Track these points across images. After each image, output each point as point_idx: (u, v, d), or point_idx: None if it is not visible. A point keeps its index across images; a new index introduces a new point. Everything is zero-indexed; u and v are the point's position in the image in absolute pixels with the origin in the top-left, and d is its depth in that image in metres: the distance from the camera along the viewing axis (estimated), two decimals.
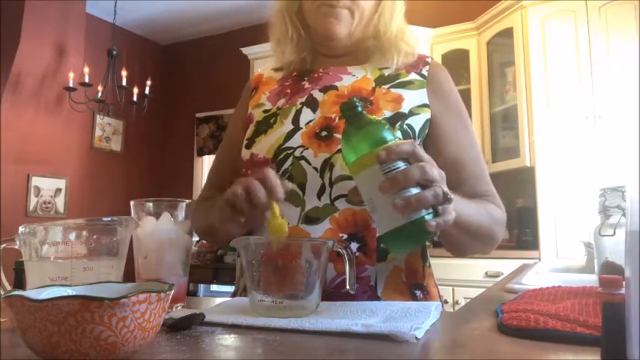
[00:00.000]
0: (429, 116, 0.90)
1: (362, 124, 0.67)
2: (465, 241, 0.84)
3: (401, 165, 0.63)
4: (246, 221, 0.76)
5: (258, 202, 0.70)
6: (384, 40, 0.95)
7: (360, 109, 0.68)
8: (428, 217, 0.63)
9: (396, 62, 0.95)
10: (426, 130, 0.90)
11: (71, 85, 3.84)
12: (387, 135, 0.66)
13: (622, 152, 2.55)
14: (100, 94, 3.95)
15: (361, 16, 0.92)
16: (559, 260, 2.52)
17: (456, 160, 0.89)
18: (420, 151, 0.66)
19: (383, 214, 0.64)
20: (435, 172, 0.64)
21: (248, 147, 0.93)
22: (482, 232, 0.86)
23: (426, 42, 3.31)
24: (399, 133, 0.86)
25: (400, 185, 0.62)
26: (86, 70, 3.80)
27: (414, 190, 0.62)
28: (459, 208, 0.72)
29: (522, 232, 2.94)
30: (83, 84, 3.77)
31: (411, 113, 0.89)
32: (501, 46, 3.14)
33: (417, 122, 0.89)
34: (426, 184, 0.63)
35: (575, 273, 1.33)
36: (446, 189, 0.65)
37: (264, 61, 3.59)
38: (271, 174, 0.71)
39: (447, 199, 0.64)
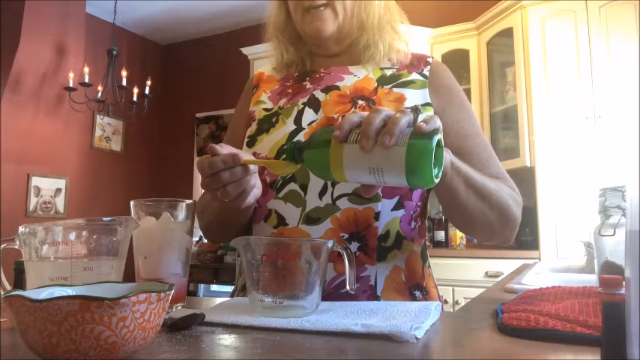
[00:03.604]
0: (432, 114, 0.90)
1: (310, 145, 0.67)
2: (475, 205, 0.81)
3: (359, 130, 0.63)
4: (235, 187, 0.74)
5: (227, 164, 0.70)
6: (369, 31, 0.96)
7: (299, 143, 0.69)
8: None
9: (383, 52, 0.95)
10: None
11: (71, 85, 3.84)
12: (329, 129, 0.66)
13: (622, 152, 2.56)
14: (100, 94, 3.95)
15: (344, 8, 0.93)
16: (559, 260, 2.52)
17: (460, 149, 0.88)
18: (364, 112, 0.65)
19: (388, 165, 0.62)
20: (387, 109, 0.64)
21: (250, 145, 0.93)
22: (491, 197, 0.82)
23: (426, 42, 3.32)
24: None
25: (372, 131, 0.61)
26: (86, 70, 3.80)
27: None
28: (458, 162, 0.75)
29: (522, 232, 2.94)
30: (83, 84, 3.76)
31: None
32: (501, 46, 3.14)
33: None
34: (389, 118, 0.62)
35: (575, 273, 1.33)
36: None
37: (264, 61, 3.58)
38: (215, 149, 0.71)
39: (415, 111, 0.63)
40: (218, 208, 0.87)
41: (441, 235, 3.22)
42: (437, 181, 0.63)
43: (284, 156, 0.70)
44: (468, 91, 3.18)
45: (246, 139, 0.95)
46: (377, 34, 0.96)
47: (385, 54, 0.96)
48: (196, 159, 4.87)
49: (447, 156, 0.72)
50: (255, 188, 0.76)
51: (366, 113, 0.64)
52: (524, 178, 2.80)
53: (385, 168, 0.62)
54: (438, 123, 0.62)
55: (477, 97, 3.20)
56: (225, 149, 0.72)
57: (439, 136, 0.62)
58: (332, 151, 0.64)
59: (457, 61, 3.23)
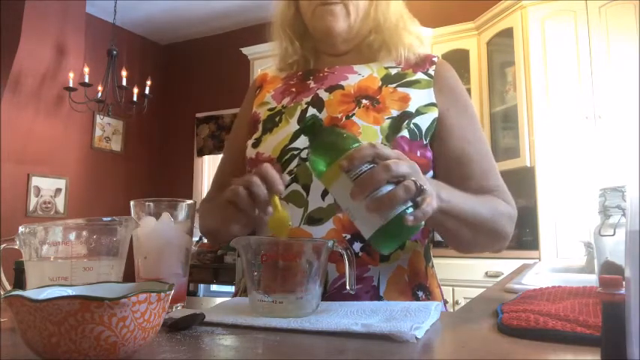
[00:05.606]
0: (437, 115, 0.89)
1: (324, 137, 0.68)
2: (465, 234, 0.81)
3: (366, 168, 0.63)
4: (249, 220, 0.77)
5: (259, 198, 0.71)
6: (385, 32, 0.95)
7: (320, 123, 0.70)
8: (409, 211, 0.62)
9: (404, 55, 0.95)
10: (433, 129, 0.89)
11: (71, 85, 3.84)
12: (350, 143, 0.66)
13: (622, 152, 2.56)
14: (100, 94, 3.95)
15: (356, 9, 0.93)
16: (559, 260, 2.52)
17: (461, 155, 0.88)
18: (384, 149, 0.65)
19: (362, 219, 0.64)
20: (404, 166, 0.63)
21: (255, 146, 0.93)
22: (483, 225, 0.82)
23: (426, 42, 3.32)
24: (405, 132, 0.85)
25: (369, 187, 0.61)
26: (86, 70, 3.80)
27: (387, 189, 0.61)
28: (448, 197, 0.74)
29: (522, 232, 2.94)
30: (83, 84, 3.77)
31: (418, 112, 0.88)
32: (501, 46, 3.14)
33: (424, 121, 0.88)
34: (397, 180, 0.62)
35: (575, 273, 1.33)
36: (420, 181, 0.63)
37: (264, 61, 3.58)
38: (270, 168, 0.72)
39: (420, 191, 0.63)
40: (215, 222, 0.88)
41: None
42: (391, 249, 0.70)
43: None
44: (467, 91, 3.16)
45: (252, 140, 0.95)
46: (394, 35, 0.95)
47: (400, 54, 0.95)
48: (196, 159, 4.88)
49: (434, 203, 0.67)
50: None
51: (385, 151, 0.64)
52: (524, 178, 2.81)
53: (358, 220, 0.65)
54: (429, 212, 0.64)
55: (477, 97, 3.20)
56: (272, 171, 0.72)
57: (422, 225, 0.65)
58: (331, 168, 0.65)
59: (457, 61, 3.23)
